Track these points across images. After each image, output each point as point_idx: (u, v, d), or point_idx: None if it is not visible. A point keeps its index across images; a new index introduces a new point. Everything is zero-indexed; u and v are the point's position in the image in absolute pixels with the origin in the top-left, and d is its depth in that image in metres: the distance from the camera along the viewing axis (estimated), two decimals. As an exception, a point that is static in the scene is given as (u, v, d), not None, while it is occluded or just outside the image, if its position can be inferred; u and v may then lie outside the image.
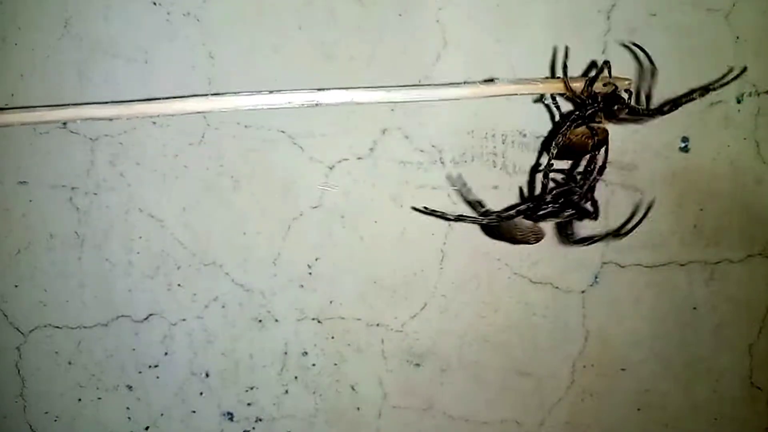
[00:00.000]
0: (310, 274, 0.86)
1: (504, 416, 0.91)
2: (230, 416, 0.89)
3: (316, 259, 0.86)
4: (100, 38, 0.80)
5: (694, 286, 0.90)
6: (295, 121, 0.82)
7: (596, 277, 0.89)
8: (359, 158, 0.84)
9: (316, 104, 0.78)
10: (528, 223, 0.80)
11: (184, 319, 0.86)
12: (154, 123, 0.81)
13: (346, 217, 0.85)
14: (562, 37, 0.84)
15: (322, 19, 0.82)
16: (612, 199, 0.87)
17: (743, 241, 0.89)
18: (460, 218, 0.82)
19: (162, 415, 0.88)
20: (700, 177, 0.87)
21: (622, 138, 0.85)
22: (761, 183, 0.88)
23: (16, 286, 0.83)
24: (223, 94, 0.79)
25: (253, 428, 0.89)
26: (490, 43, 0.84)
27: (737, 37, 0.85)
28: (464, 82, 0.82)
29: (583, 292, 0.89)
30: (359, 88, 0.80)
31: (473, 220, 0.83)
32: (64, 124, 0.80)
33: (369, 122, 0.83)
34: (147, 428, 0.88)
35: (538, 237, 0.81)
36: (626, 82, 0.80)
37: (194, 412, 0.88)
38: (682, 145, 0.87)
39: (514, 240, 0.82)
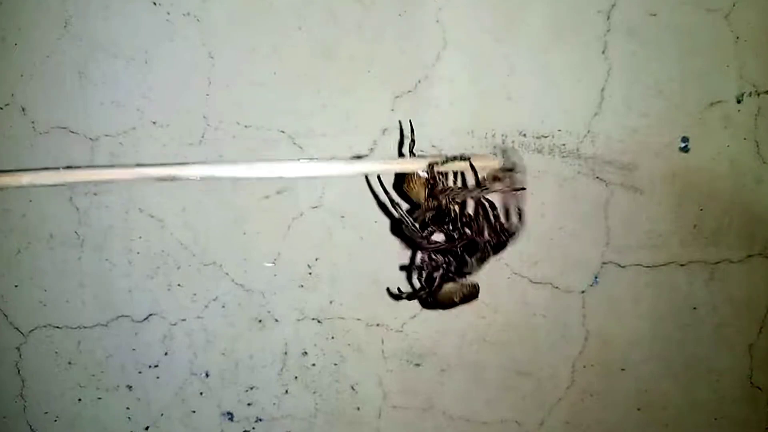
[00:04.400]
0: (310, 274, 0.86)
1: (504, 416, 0.91)
2: (230, 416, 0.88)
3: (316, 259, 0.86)
4: (100, 38, 0.80)
5: (694, 286, 0.90)
6: (295, 121, 0.83)
7: (596, 277, 0.89)
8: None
9: (173, 179, 0.78)
10: (455, 285, 0.78)
11: (184, 319, 0.86)
12: (154, 123, 0.81)
13: (346, 217, 0.85)
14: (562, 37, 0.84)
15: (322, 19, 0.82)
16: (612, 199, 0.87)
17: (743, 241, 0.89)
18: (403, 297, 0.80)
19: (162, 415, 0.88)
20: (700, 177, 0.87)
21: (622, 138, 0.85)
22: (761, 183, 0.88)
23: (16, 286, 0.83)
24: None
25: (253, 428, 0.89)
26: (490, 43, 0.84)
27: (737, 37, 0.85)
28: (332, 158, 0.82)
29: (583, 292, 0.89)
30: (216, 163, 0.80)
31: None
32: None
33: (369, 122, 0.83)
34: (147, 428, 0.88)
35: (472, 292, 0.79)
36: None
37: (194, 412, 0.88)
38: (682, 145, 0.87)
39: (453, 303, 0.79)
